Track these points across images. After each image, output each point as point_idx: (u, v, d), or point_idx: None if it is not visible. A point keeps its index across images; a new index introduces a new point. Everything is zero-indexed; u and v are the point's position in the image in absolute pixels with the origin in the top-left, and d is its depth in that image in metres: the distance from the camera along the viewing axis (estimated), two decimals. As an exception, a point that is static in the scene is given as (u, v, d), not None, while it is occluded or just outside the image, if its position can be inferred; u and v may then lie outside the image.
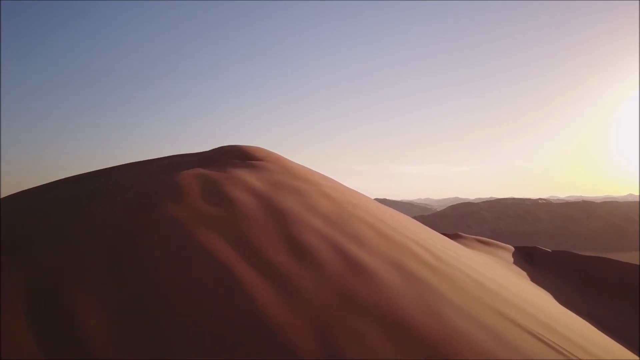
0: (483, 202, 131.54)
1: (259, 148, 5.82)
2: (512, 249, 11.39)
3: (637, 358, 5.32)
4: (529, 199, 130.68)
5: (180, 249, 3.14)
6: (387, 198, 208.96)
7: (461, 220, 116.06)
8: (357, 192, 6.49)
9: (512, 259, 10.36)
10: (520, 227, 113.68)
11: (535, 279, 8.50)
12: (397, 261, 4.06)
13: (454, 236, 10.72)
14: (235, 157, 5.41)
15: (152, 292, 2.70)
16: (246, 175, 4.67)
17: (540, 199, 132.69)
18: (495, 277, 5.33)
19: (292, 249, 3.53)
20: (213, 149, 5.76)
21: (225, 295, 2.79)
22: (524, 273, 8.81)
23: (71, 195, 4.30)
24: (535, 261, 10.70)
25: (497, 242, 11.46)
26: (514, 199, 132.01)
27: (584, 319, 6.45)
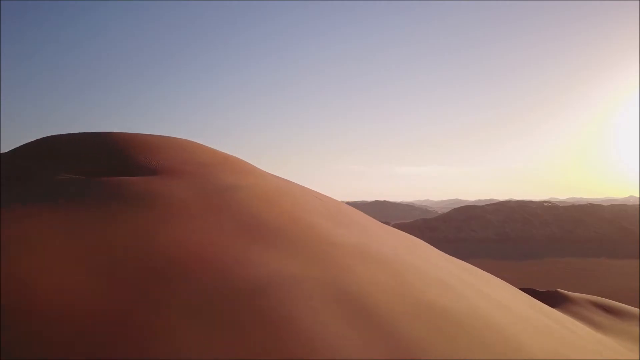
0: (488, 204, 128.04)
1: (162, 138, 2.26)
2: None
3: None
4: (534, 202, 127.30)
5: None
6: (388, 200, 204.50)
7: (465, 224, 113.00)
8: (422, 242, 2.48)
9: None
10: (527, 232, 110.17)
11: None
12: None
13: (553, 297, 8.23)
14: (76, 160, 2.23)
15: None
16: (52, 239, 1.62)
17: (545, 201, 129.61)
18: None
19: None
20: (20, 146, 2.69)
21: None
22: None
23: None
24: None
25: (621, 306, 8.34)
26: (517, 201, 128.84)
27: None
